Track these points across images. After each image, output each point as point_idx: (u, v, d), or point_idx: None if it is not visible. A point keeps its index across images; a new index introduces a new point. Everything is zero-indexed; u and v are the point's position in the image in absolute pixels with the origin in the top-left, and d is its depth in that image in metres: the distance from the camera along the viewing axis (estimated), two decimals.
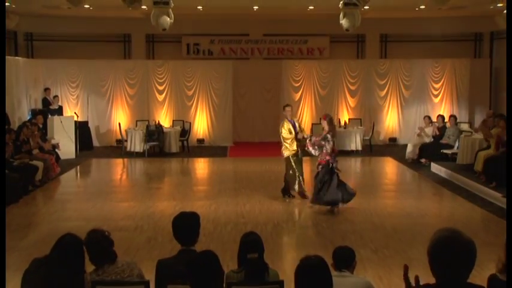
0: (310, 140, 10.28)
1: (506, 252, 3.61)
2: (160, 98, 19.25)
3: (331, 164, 9.88)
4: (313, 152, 10.18)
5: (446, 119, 16.04)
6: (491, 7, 16.37)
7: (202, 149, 18.51)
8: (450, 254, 2.70)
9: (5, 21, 11.66)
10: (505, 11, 15.45)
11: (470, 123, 17.37)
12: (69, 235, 4.41)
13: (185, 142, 17.92)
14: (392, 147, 18.28)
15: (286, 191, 11.14)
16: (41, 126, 14.84)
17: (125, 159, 16.51)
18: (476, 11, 17.73)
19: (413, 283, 2.97)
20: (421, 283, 2.95)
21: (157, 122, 17.81)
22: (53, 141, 14.93)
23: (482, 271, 5.28)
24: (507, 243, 3.79)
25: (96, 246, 4.44)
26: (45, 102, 17.73)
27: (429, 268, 2.88)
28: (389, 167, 15.50)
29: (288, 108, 11.30)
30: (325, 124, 10.04)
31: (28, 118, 16.33)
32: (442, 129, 15.58)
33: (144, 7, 16.24)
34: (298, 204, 10.95)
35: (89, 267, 4.46)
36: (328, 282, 3.34)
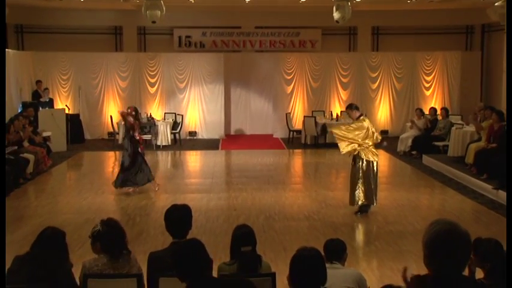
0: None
1: (507, 252, 3.65)
2: (152, 90, 19.20)
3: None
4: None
5: (438, 112, 16.11)
6: (482, 0, 16.41)
7: (194, 141, 18.49)
8: (449, 246, 2.71)
9: (5, 21, 11.55)
10: (496, 4, 15.51)
11: (462, 115, 17.44)
12: (50, 228, 4.38)
13: (177, 135, 17.90)
14: (384, 140, 18.27)
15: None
16: (32, 119, 14.76)
17: (117, 152, 16.42)
18: (468, 4, 17.77)
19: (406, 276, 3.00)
20: (410, 275, 2.97)
21: (149, 114, 17.77)
22: (44, 134, 14.86)
23: None
24: (507, 242, 3.83)
25: (111, 236, 4.40)
26: (36, 94, 17.63)
27: (420, 259, 2.90)
28: (381, 160, 15.43)
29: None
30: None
31: (19, 111, 16.24)
32: (434, 122, 15.64)
33: None
34: (290, 196, 10.98)
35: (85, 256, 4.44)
36: (323, 275, 3.36)
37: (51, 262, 4.19)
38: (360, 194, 9.26)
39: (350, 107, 9.46)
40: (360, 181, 9.22)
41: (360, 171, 9.22)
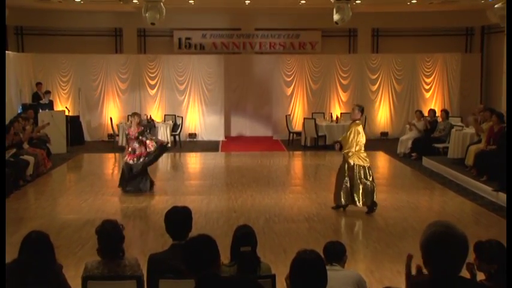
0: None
1: (507, 253, 3.65)
2: (152, 92, 19.20)
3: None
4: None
5: (437, 113, 16.10)
6: (482, 1, 16.42)
7: (194, 143, 18.50)
8: (445, 248, 2.73)
9: (5, 23, 11.55)
10: (496, 6, 15.53)
11: (462, 117, 17.46)
12: (34, 232, 4.37)
13: (177, 137, 17.90)
14: (384, 142, 18.32)
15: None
16: (32, 120, 14.76)
17: (117, 154, 16.42)
18: (467, 6, 17.78)
19: (414, 272, 3.01)
20: (415, 264, 2.98)
21: (149, 116, 17.77)
22: (43, 131, 14.80)
23: None
24: (507, 244, 3.83)
25: (106, 238, 4.40)
26: (36, 96, 17.63)
27: (420, 261, 2.90)
28: (381, 161, 15.55)
29: None
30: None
31: (18, 112, 16.24)
32: (433, 124, 15.64)
33: (135, 1, 16.21)
34: (290, 198, 10.98)
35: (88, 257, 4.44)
36: (324, 278, 3.35)
37: (40, 266, 4.18)
38: (343, 194, 9.55)
39: (357, 107, 9.73)
40: (344, 182, 9.51)
41: (344, 172, 9.53)
